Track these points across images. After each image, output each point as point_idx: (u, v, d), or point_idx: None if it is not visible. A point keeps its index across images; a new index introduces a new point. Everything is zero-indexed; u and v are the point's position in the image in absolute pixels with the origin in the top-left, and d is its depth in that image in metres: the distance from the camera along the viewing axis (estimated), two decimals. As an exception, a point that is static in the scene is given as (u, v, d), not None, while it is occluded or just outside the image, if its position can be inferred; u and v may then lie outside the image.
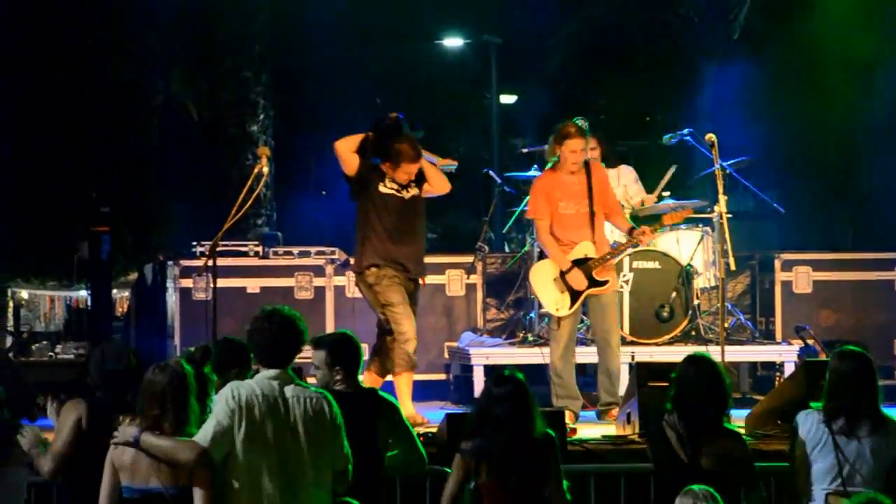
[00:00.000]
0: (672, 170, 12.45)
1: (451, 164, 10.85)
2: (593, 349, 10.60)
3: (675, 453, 6.87)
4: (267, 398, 6.25)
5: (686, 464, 6.82)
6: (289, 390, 6.31)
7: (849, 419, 6.94)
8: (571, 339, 10.30)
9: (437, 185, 10.16)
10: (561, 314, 10.22)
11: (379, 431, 7.05)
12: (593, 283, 10.20)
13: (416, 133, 10.15)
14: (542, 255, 10.69)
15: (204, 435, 6.16)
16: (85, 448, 6.63)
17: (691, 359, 7.16)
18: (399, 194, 9.95)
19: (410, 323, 9.87)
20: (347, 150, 9.97)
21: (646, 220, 11.41)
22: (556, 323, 10.28)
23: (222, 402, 6.20)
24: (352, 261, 10.46)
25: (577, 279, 10.14)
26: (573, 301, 10.19)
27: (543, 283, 10.32)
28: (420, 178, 10.06)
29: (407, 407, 9.72)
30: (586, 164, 10.30)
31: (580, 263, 10.19)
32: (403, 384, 9.89)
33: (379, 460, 7.03)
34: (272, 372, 6.34)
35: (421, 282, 10.21)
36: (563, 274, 10.18)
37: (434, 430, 8.87)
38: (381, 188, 9.94)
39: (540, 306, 12.10)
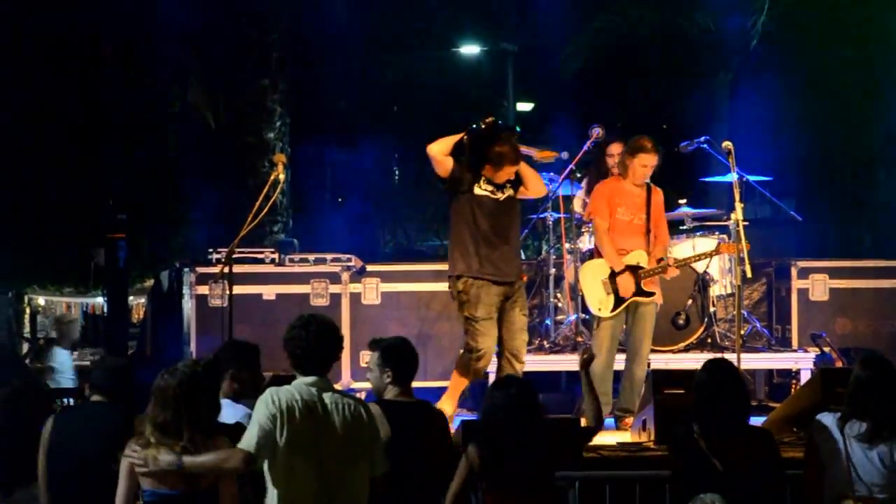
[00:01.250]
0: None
1: (549, 157, 10.80)
2: (617, 356, 10.59)
3: (710, 461, 6.86)
4: (307, 403, 6.26)
5: (721, 471, 6.81)
6: (327, 396, 6.33)
7: (863, 425, 6.93)
8: (613, 344, 10.34)
9: (533, 189, 10.04)
10: (602, 315, 10.29)
11: (424, 445, 7.04)
12: (640, 292, 10.25)
13: (510, 132, 10.00)
14: (590, 256, 10.81)
15: (249, 441, 6.16)
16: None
17: (708, 365, 7.16)
18: (494, 196, 9.83)
19: (488, 340, 9.78)
20: (440, 153, 9.87)
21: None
22: (597, 324, 10.32)
23: (262, 408, 6.20)
24: (359, 264, 10.39)
25: (627, 284, 10.20)
26: (616, 305, 10.25)
27: (591, 281, 10.39)
28: (516, 180, 9.93)
29: (449, 403, 9.84)
30: (648, 185, 10.39)
31: (631, 270, 10.25)
32: (457, 384, 9.94)
33: (421, 473, 7.03)
34: (310, 378, 6.35)
35: (523, 278, 10.14)
36: (612, 276, 10.23)
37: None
38: (476, 190, 9.82)
39: (556, 313, 12.13)
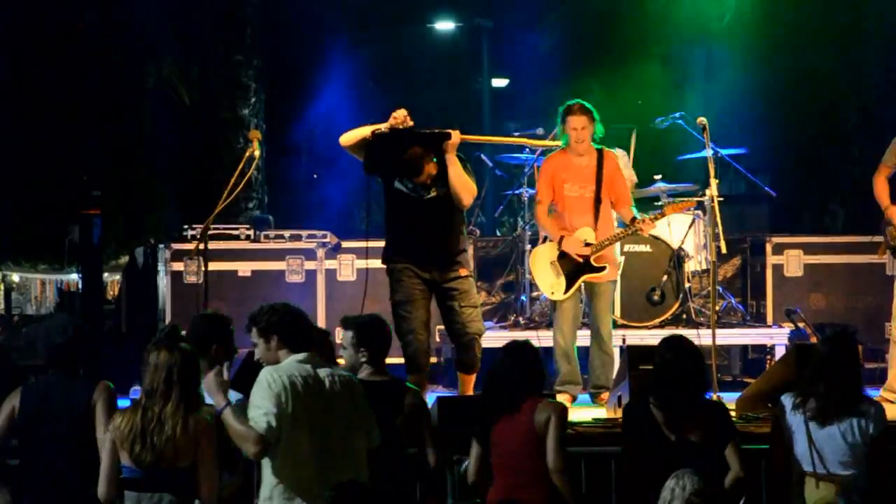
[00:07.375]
0: (633, 135, 12.51)
1: (546, 145, 10.63)
2: (587, 332, 10.61)
3: (664, 434, 6.93)
4: (305, 379, 6.25)
5: (674, 442, 6.89)
6: (321, 371, 6.35)
7: (821, 402, 6.99)
8: (574, 323, 10.29)
9: (455, 199, 9.48)
10: (555, 297, 10.24)
11: (396, 424, 7.07)
12: (590, 268, 10.19)
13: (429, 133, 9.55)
14: (545, 238, 10.75)
15: (260, 425, 6.07)
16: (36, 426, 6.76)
17: (667, 342, 7.23)
18: (413, 195, 9.50)
19: (410, 324, 9.48)
20: (347, 145, 9.74)
21: (637, 203, 11.41)
22: (554, 306, 10.30)
23: (265, 388, 6.12)
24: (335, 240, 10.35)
25: (573, 245, 10.11)
26: (568, 285, 10.19)
27: (540, 265, 10.34)
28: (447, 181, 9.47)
29: None
30: (599, 150, 10.29)
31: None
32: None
33: (396, 453, 7.05)
34: (301, 355, 6.35)
35: (460, 272, 9.56)
36: (560, 257, 10.18)
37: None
38: (396, 184, 9.57)
39: (531, 289, 12.15)
